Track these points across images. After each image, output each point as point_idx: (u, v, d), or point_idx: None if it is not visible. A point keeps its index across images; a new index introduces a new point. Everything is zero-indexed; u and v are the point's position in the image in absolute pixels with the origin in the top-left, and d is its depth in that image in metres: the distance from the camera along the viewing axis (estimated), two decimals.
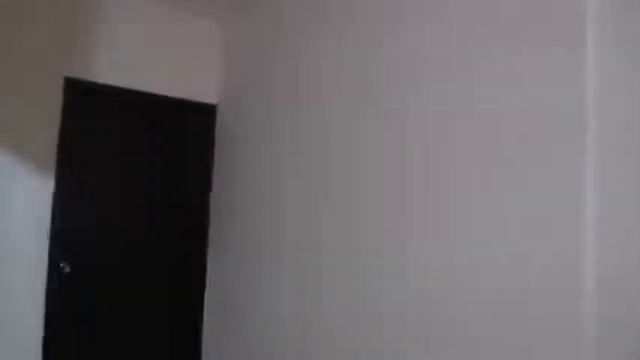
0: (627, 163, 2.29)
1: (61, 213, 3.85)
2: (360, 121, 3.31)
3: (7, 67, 3.72)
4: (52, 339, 3.80)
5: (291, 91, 3.86)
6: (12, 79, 3.74)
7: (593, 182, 2.20)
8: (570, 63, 2.28)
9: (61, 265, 3.85)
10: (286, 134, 3.85)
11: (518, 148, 2.44)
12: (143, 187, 4.26)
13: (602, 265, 2.18)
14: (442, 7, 2.85)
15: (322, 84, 3.61)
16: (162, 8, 4.26)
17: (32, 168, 3.77)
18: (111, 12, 4.09)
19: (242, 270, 4.12)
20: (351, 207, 3.30)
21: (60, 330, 3.86)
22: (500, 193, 2.50)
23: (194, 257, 4.42)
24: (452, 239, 2.69)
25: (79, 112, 3.98)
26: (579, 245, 2.18)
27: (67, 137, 3.90)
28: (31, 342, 3.72)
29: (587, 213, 2.19)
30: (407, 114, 3.00)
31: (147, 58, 4.22)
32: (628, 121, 2.29)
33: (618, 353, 2.18)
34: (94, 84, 4.02)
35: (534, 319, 2.30)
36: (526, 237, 2.38)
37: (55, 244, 3.82)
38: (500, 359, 2.41)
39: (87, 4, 4.02)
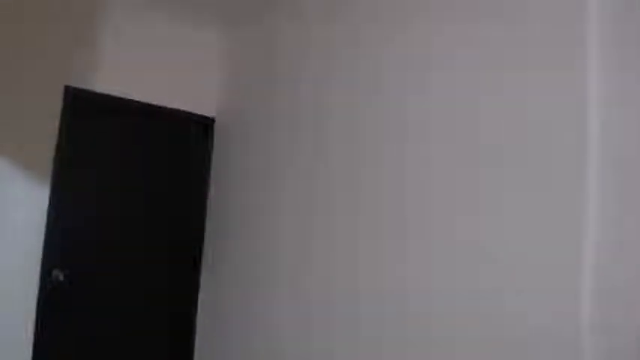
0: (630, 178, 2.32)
1: (56, 221, 3.81)
2: (362, 134, 3.32)
3: (7, 75, 3.73)
4: (43, 345, 3.73)
5: (290, 104, 3.88)
6: (12, 86, 3.75)
7: (594, 192, 2.24)
8: (571, 72, 2.32)
9: (55, 272, 3.79)
10: (285, 148, 3.86)
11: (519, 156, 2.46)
12: (139, 197, 4.24)
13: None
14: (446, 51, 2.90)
15: (322, 97, 3.63)
16: (162, 20, 4.30)
17: (28, 176, 3.74)
18: (111, 23, 4.13)
19: (236, 288, 4.07)
20: (350, 226, 3.30)
21: (51, 337, 3.78)
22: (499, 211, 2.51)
23: (187, 270, 4.37)
24: (454, 266, 2.70)
25: (77, 121, 3.98)
26: (579, 276, 2.21)
27: (65, 145, 3.89)
28: (21, 348, 3.64)
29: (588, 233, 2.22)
30: (408, 131, 3.03)
31: (146, 68, 4.24)
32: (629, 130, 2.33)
33: None
34: (94, 93, 4.02)
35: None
36: (527, 259, 2.39)
37: (49, 251, 3.77)
38: None
39: (87, 14, 4.06)
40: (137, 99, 4.19)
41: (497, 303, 2.48)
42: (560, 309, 2.26)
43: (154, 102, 4.26)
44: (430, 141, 2.91)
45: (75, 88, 3.95)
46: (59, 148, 3.85)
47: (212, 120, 4.51)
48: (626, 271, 2.19)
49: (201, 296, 4.35)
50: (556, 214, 2.33)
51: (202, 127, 4.49)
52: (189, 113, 4.42)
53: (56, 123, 3.87)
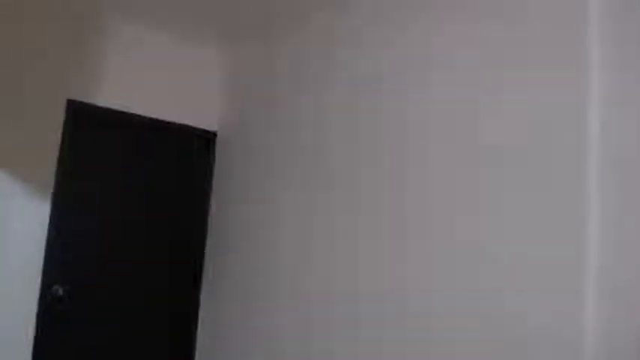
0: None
1: (56, 236, 3.79)
2: (363, 149, 3.31)
3: (9, 88, 3.74)
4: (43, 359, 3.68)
5: (290, 117, 3.87)
6: (14, 99, 3.75)
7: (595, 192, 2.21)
8: (572, 74, 2.31)
9: (55, 287, 3.76)
10: (286, 160, 3.84)
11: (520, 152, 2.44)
12: (141, 212, 4.22)
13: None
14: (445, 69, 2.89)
15: (323, 112, 3.62)
16: (164, 34, 4.33)
17: (30, 189, 3.73)
18: (114, 37, 4.15)
19: (236, 304, 4.02)
20: (350, 239, 3.27)
21: (51, 351, 3.74)
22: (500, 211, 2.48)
23: (188, 287, 4.33)
24: (454, 271, 2.67)
25: (79, 134, 3.98)
26: (581, 286, 2.18)
27: (67, 159, 3.88)
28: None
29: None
30: (408, 135, 3.03)
31: (148, 83, 4.25)
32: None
33: None
34: (96, 107, 4.03)
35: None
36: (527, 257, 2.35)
37: (49, 265, 3.74)
38: None
39: (91, 28, 4.08)
40: (139, 113, 4.20)
41: (498, 303, 2.45)
42: (561, 309, 2.22)
43: (156, 116, 4.26)
44: (430, 141, 2.90)
45: (77, 102, 3.96)
46: (61, 161, 3.85)
47: (214, 134, 4.51)
48: (626, 271, 2.15)
49: (201, 314, 4.30)
50: (556, 214, 2.30)
51: (204, 141, 4.48)
52: (191, 127, 4.42)
53: (58, 136, 3.87)
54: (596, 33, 2.28)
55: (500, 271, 2.46)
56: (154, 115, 4.26)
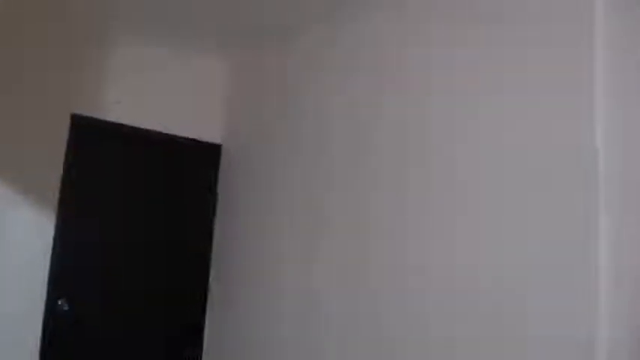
0: None
1: (61, 249, 3.78)
2: (364, 164, 3.31)
3: (15, 103, 3.74)
4: None
5: (294, 127, 3.87)
6: (19, 114, 3.75)
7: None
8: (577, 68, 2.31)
9: (60, 302, 3.73)
10: (291, 175, 3.83)
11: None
12: (145, 226, 4.20)
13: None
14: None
15: (327, 124, 3.62)
16: (167, 47, 4.33)
17: (34, 203, 3.72)
18: (118, 50, 4.17)
19: (242, 316, 3.99)
20: (357, 256, 3.24)
21: None
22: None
23: (194, 298, 4.30)
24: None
25: (83, 149, 3.97)
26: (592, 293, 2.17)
27: (71, 172, 3.87)
28: None
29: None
30: (408, 158, 3.04)
31: (152, 96, 4.25)
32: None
33: None
34: (99, 121, 4.03)
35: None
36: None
37: (54, 280, 3.71)
38: None
39: (94, 43, 4.10)
40: (142, 126, 4.19)
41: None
42: (574, 309, 2.21)
43: (160, 129, 4.25)
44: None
45: (81, 116, 3.95)
46: (65, 175, 3.83)
47: (218, 146, 4.49)
48: (631, 270, 2.15)
49: (207, 327, 4.27)
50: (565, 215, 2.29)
51: (208, 153, 4.47)
52: (196, 140, 4.41)
53: (62, 152, 3.86)
54: (601, 34, 2.27)
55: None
56: (158, 129, 4.24)
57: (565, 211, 2.28)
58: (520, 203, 2.45)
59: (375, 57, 3.37)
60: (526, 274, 2.38)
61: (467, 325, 2.57)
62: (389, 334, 2.95)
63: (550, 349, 2.24)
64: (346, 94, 3.52)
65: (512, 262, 2.44)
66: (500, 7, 2.69)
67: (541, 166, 2.40)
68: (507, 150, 2.55)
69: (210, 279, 4.32)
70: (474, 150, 2.70)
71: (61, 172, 3.83)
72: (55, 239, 3.75)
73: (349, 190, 3.37)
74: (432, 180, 2.88)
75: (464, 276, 2.64)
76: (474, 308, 2.56)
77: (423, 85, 3.03)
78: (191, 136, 4.39)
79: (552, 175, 2.35)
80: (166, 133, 4.28)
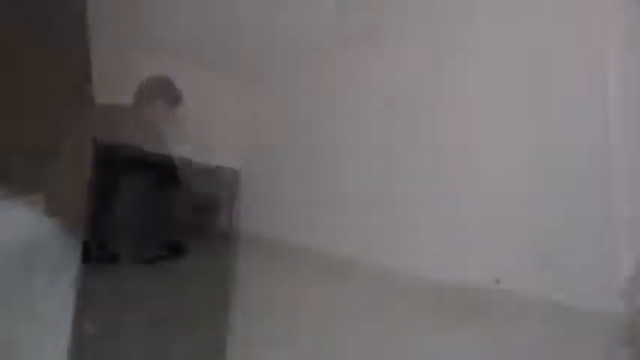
0: None
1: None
2: (378, 190, 3.35)
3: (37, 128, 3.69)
4: None
5: (312, 153, 3.91)
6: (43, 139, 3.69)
7: None
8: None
9: (86, 325, 3.57)
10: (307, 203, 3.84)
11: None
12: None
13: None
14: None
15: (343, 146, 3.66)
16: (187, 72, 4.36)
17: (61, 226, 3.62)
18: (136, 75, 4.18)
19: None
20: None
21: None
22: None
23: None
24: None
25: (103, 173, 3.90)
26: None
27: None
28: None
29: None
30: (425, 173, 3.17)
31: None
32: None
33: None
34: (119, 145, 3.99)
35: None
36: None
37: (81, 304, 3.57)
38: None
39: (112, 67, 4.11)
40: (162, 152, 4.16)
41: None
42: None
43: (180, 155, 4.23)
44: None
45: (102, 141, 3.91)
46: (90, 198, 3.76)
47: (237, 172, 4.48)
48: None
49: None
50: None
51: (227, 178, 4.45)
52: (214, 166, 4.39)
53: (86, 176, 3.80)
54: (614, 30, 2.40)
55: None
56: (177, 154, 4.22)
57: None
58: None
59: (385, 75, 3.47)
60: None
61: None
62: None
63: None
64: (366, 116, 3.58)
65: None
66: (511, 2, 2.81)
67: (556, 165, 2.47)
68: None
69: None
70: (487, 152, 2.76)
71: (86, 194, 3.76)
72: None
73: (366, 222, 3.42)
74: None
75: None
76: None
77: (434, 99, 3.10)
78: (210, 161, 4.37)
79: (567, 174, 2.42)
80: (185, 158, 4.26)
